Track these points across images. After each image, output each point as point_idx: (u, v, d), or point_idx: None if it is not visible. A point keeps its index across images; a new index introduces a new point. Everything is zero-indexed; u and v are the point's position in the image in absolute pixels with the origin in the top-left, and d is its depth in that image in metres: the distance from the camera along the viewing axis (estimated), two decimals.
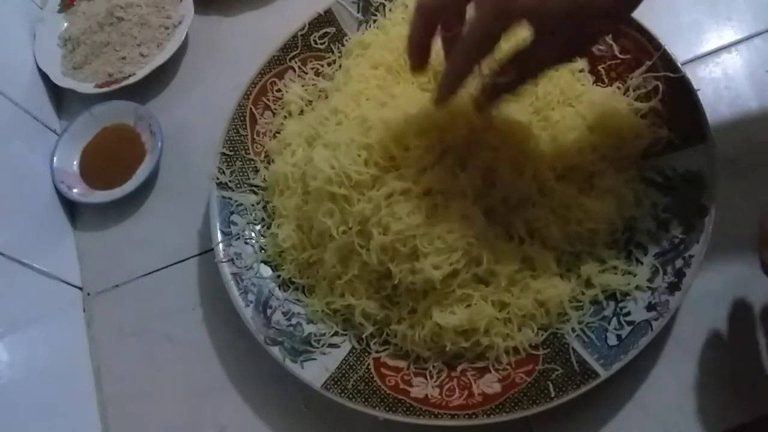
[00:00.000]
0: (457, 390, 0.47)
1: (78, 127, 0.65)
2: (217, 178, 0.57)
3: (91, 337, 0.58)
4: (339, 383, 0.48)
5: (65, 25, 0.73)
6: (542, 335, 0.48)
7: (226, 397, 0.53)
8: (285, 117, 0.61)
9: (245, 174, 0.58)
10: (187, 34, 0.69)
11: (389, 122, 0.50)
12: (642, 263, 0.48)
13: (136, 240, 0.61)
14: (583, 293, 0.48)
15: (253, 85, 0.60)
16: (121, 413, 0.54)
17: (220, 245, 0.54)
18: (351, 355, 0.50)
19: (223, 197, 0.56)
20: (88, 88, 0.67)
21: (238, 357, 0.54)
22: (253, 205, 0.57)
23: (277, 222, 0.55)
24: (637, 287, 0.47)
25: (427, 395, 0.47)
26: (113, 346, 0.57)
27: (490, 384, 0.46)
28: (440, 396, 0.46)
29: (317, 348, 0.50)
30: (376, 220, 0.47)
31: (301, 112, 0.61)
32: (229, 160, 0.58)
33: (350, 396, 0.47)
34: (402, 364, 0.49)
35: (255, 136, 0.60)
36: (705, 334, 0.48)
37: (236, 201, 0.56)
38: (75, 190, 0.63)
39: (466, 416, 0.45)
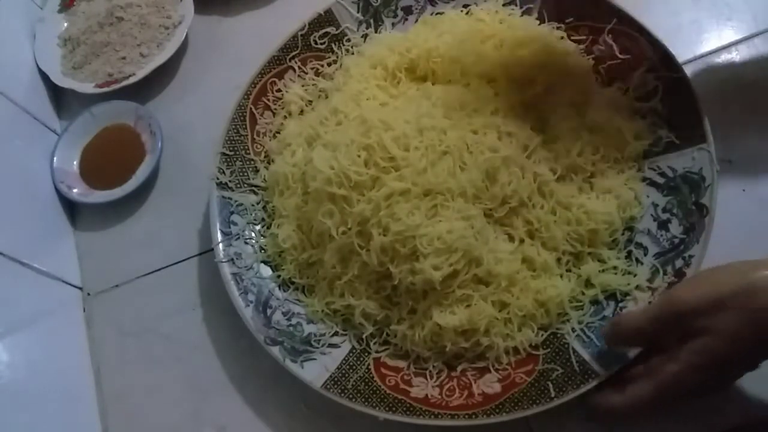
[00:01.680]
0: (457, 390, 0.47)
1: (78, 127, 0.65)
2: (217, 178, 0.57)
3: (91, 336, 0.58)
4: (339, 383, 0.48)
5: (65, 25, 0.73)
6: (542, 335, 0.48)
7: (226, 396, 0.53)
8: (285, 117, 0.61)
9: (245, 174, 0.58)
10: (187, 34, 0.69)
11: (389, 122, 0.50)
12: (642, 263, 0.48)
13: (136, 240, 0.61)
14: (583, 293, 0.48)
15: (253, 85, 0.60)
16: (121, 413, 0.54)
17: (220, 245, 0.54)
18: (351, 355, 0.50)
19: (223, 197, 0.56)
20: (88, 88, 0.67)
21: (238, 357, 0.54)
22: (253, 205, 0.57)
23: (277, 222, 0.55)
24: (637, 287, 0.47)
25: (427, 395, 0.47)
26: (113, 346, 0.57)
27: (490, 384, 0.46)
28: (440, 396, 0.46)
29: (317, 348, 0.50)
30: (376, 220, 0.47)
31: (301, 112, 0.61)
32: (229, 160, 0.58)
33: (350, 396, 0.47)
34: (402, 364, 0.49)
35: (255, 136, 0.60)
36: None
37: (236, 201, 0.56)
38: (75, 190, 0.63)
39: (466, 416, 0.45)
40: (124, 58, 0.69)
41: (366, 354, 0.50)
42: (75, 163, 0.65)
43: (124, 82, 0.66)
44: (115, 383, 0.56)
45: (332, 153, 0.50)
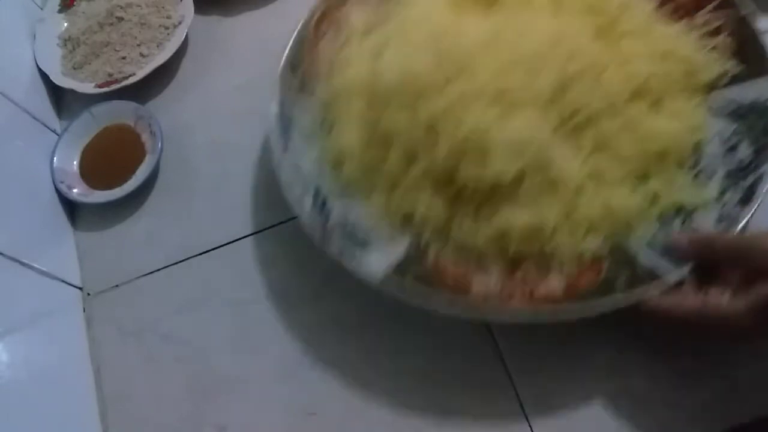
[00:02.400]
0: (518, 291, 0.46)
1: (78, 127, 0.65)
2: (279, 94, 0.55)
3: (92, 337, 0.57)
4: (397, 280, 0.46)
5: (65, 25, 0.73)
6: (607, 245, 0.47)
7: (227, 397, 0.53)
8: (349, 39, 0.58)
9: (306, 90, 0.57)
10: (187, 34, 0.68)
11: (461, 27, 0.49)
12: (710, 183, 0.48)
13: (137, 240, 0.61)
14: (650, 207, 0.48)
15: (316, 11, 0.58)
16: (121, 413, 0.54)
17: (278, 148, 0.52)
18: (411, 253, 0.48)
19: (282, 113, 0.54)
20: (88, 88, 0.67)
21: (239, 357, 0.54)
22: (313, 121, 0.55)
23: (339, 128, 0.54)
24: (706, 202, 0.47)
25: (487, 294, 0.46)
26: (113, 346, 0.57)
27: (552, 286, 0.46)
28: (500, 296, 0.46)
29: (376, 246, 0.49)
30: (447, 119, 0.47)
31: (365, 33, 0.58)
32: (289, 77, 0.56)
33: (409, 293, 0.46)
34: (463, 263, 0.48)
35: (316, 56, 0.58)
36: None
37: (295, 116, 0.55)
38: (75, 190, 0.63)
39: (527, 315, 0.44)
40: (124, 58, 0.69)
41: (426, 252, 0.48)
42: (75, 163, 0.65)
43: (124, 82, 0.66)
44: (115, 383, 0.55)
45: (402, 56, 0.50)
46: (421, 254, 0.48)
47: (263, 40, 0.62)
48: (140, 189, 0.62)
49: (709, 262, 0.43)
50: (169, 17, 0.70)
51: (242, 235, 0.59)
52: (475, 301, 0.45)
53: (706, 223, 0.46)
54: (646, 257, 0.45)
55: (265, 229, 0.59)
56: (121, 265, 0.60)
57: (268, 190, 0.61)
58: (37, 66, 0.68)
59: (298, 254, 0.57)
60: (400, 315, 0.50)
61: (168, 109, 0.67)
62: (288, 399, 0.52)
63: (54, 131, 0.67)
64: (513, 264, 0.47)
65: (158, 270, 0.59)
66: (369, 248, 0.48)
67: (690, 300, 0.42)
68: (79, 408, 0.54)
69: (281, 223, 0.59)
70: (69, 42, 0.71)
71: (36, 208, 0.60)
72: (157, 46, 0.69)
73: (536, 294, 0.45)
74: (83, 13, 0.73)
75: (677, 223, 0.47)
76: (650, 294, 0.43)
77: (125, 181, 0.62)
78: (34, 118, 0.64)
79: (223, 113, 0.65)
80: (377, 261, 0.47)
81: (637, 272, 0.45)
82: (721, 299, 0.41)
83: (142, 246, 0.61)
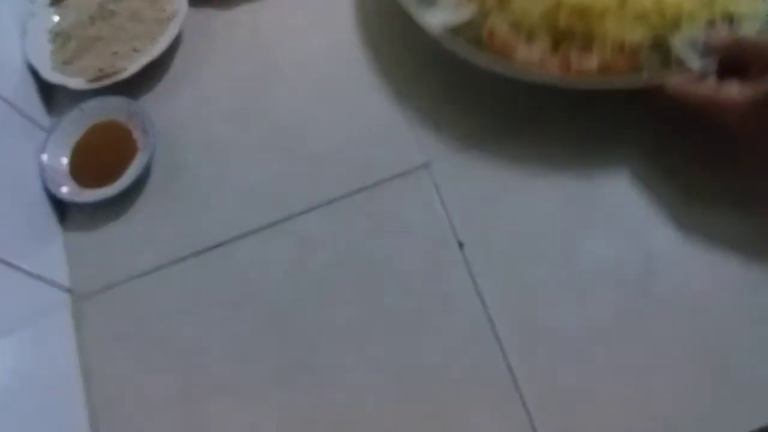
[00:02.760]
0: (556, 62, 0.51)
1: (68, 124, 0.64)
2: None
3: (81, 340, 0.56)
4: (453, 36, 0.55)
5: (56, 19, 0.71)
6: (651, 38, 0.50)
7: (220, 402, 0.52)
8: None
9: None
10: (180, 29, 0.67)
11: None
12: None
13: (128, 240, 0.60)
14: (702, 10, 0.49)
15: None
16: (112, 419, 0.53)
17: None
18: (471, 19, 0.55)
19: None
20: (78, 83, 0.65)
21: (234, 361, 0.53)
22: None
23: None
24: (755, 13, 0.49)
25: (528, 62, 0.52)
26: (103, 350, 0.56)
27: (589, 64, 0.51)
28: (540, 65, 0.52)
29: (442, 7, 0.56)
30: None
31: None
32: None
33: (460, 48, 0.54)
34: (514, 34, 0.53)
35: None
36: None
37: None
38: (64, 189, 0.61)
39: (559, 80, 0.51)
40: (115, 52, 0.67)
41: (484, 20, 0.54)
42: (64, 160, 0.63)
43: (116, 78, 0.65)
44: (105, 388, 0.54)
45: None
46: (480, 22, 0.55)
47: (258, 34, 0.61)
48: (132, 188, 0.60)
49: (736, 61, 0.47)
50: (162, 11, 0.69)
51: (238, 236, 0.58)
52: (516, 64, 0.52)
53: (748, 32, 0.49)
54: (682, 51, 0.49)
55: (260, 229, 0.58)
56: (111, 267, 0.59)
57: (266, 190, 0.60)
58: (27, 61, 0.67)
59: (295, 254, 0.56)
60: None
61: (161, 106, 0.66)
62: (286, 406, 0.51)
63: (43, 128, 0.65)
64: (557, 42, 0.52)
65: (150, 272, 0.58)
66: (436, 7, 0.57)
67: (707, 86, 0.46)
68: (68, 414, 0.53)
69: (279, 222, 0.58)
70: (59, 36, 0.69)
71: (24, 207, 0.59)
72: (150, 41, 0.67)
73: (572, 67, 0.51)
74: (74, 6, 0.71)
75: (723, 28, 0.49)
76: (674, 79, 0.48)
77: (116, 179, 0.61)
78: (23, 114, 0.63)
79: (217, 109, 0.63)
80: (440, 19, 0.56)
81: (669, 62, 0.49)
82: (733, 88, 0.45)
83: (134, 247, 0.59)
